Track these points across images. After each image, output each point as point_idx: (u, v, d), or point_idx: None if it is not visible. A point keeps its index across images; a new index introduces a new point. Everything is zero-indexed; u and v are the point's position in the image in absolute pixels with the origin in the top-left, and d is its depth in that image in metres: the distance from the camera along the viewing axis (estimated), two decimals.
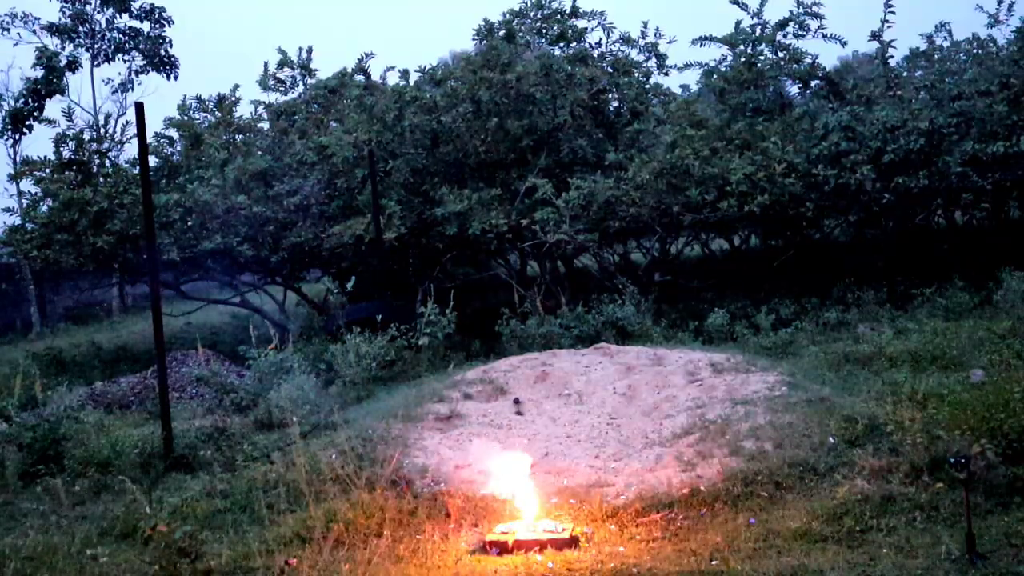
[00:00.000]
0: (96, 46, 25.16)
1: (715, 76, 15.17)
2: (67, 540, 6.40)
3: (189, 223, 14.08)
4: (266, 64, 16.66)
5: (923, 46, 15.29)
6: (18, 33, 24.17)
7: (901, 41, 17.03)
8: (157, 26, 25.48)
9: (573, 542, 5.92)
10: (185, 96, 16.57)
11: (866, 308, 12.15)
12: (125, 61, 25.95)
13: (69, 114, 15.96)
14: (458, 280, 14.97)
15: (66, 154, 15.30)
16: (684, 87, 17.83)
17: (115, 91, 26.25)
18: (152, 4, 25.25)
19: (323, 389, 9.91)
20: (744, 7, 14.66)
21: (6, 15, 24.13)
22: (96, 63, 25.40)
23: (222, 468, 7.77)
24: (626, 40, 15.55)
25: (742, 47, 14.76)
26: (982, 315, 11.08)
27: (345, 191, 14.82)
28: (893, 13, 13.94)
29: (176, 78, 25.97)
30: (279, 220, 14.54)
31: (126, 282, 21.42)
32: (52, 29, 24.17)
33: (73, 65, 19.95)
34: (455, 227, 13.66)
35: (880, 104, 13.61)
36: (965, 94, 13.14)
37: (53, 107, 19.99)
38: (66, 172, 15.26)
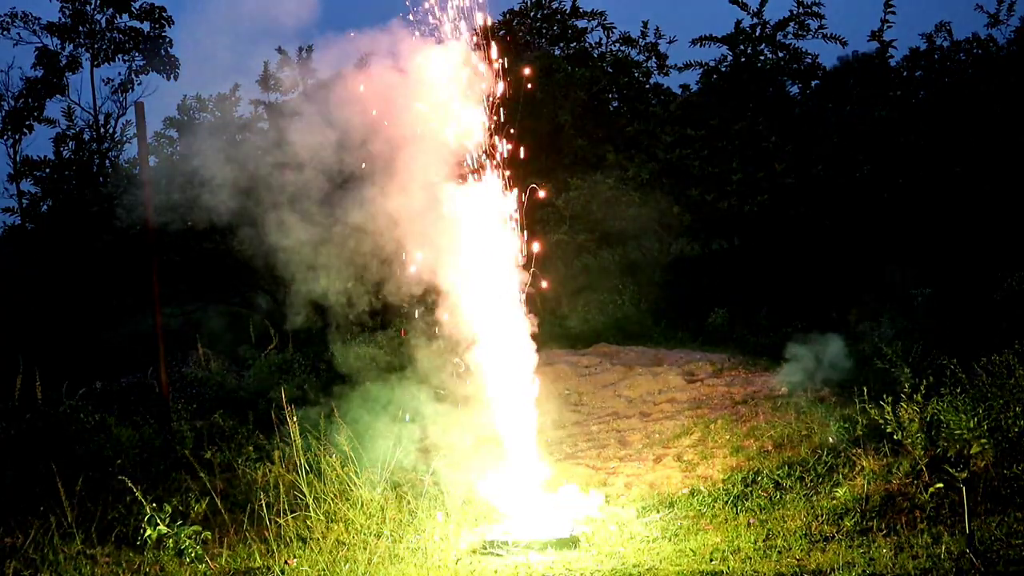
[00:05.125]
0: (96, 46, 25.12)
1: (715, 76, 15.17)
2: (67, 540, 6.39)
3: (189, 223, 14.05)
4: (266, 64, 16.63)
5: (923, 46, 15.29)
6: (18, 33, 24.16)
7: (901, 41, 17.00)
8: (157, 26, 25.48)
9: (573, 542, 5.92)
10: (185, 96, 16.54)
11: (866, 308, 12.13)
12: (125, 61, 25.94)
13: (69, 114, 15.98)
14: None
15: (66, 154, 15.30)
16: (684, 87, 17.82)
17: (115, 91, 26.20)
18: (152, 4, 25.25)
19: (323, 389, 9.90)
20: (744, 7, 14.65)
21: (6, 15, 24.06)
22: (96, 63, 25.36)
23: (222, 468, 7.76)
24: (626, 40, 15.54)
25: (742, 47, 14.76)
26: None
27: None
28: (893, 13, 13.94)
29: (176, 78, 25.96)
30: None
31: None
32: (52, 29, 24.13)
33: (73, 65, 19.92)
34: None
35: (880, 104, 13.61)
36: (965, 94, 13.14)
37: (53, 107, 19.99)
38: (66, 172, 15.26)
